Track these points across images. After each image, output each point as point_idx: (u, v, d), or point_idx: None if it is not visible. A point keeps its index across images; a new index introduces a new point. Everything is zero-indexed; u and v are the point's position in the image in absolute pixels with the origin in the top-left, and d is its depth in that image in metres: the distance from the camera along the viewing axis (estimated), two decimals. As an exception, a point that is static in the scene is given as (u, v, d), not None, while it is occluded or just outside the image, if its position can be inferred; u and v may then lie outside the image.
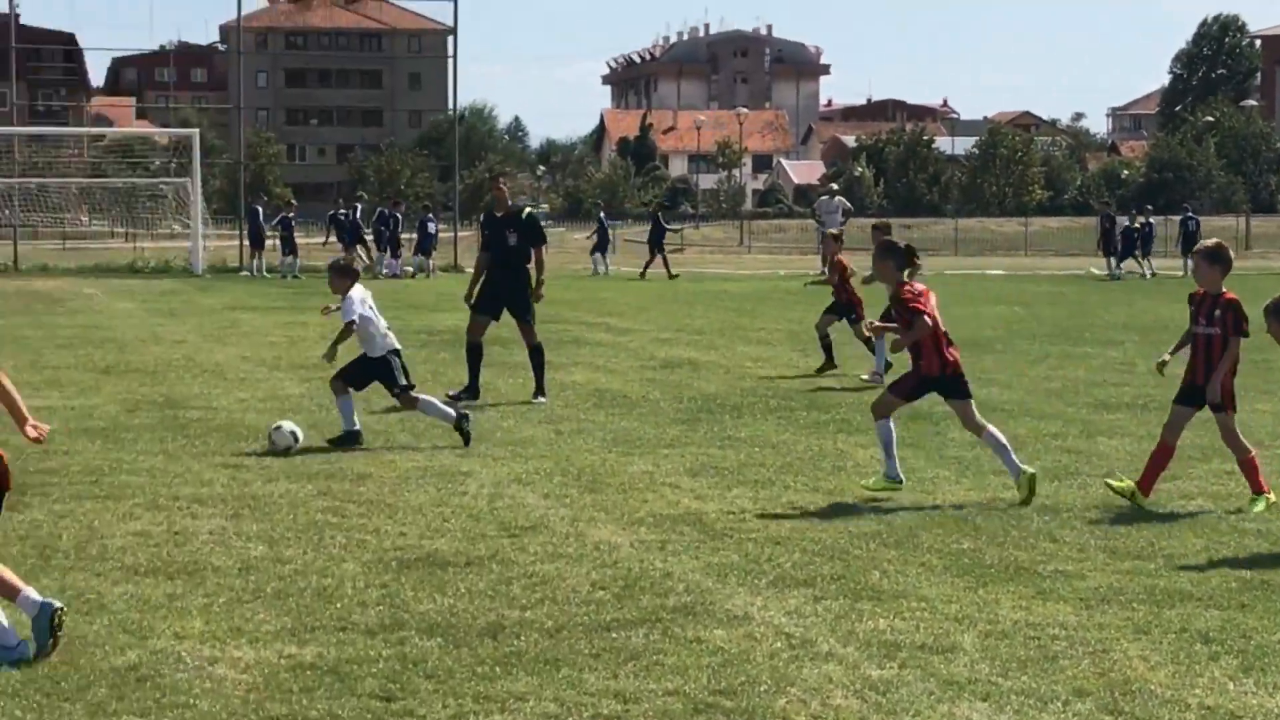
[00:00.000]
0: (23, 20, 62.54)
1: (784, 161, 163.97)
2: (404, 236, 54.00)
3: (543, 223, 21.55)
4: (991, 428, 13.32)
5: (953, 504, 12.82)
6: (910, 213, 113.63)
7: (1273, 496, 12.57)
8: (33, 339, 27.05)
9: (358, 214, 54.73)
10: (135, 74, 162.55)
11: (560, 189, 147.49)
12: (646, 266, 53.15)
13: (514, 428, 16.31)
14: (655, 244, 53.88)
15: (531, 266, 19.49)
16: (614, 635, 9.01)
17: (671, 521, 12.12)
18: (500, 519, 12.14)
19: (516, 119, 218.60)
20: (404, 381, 16.31)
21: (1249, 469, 12.70)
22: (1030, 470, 13.16)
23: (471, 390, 19.14)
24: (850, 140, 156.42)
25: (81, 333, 28.83)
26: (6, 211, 61.45)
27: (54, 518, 12.03)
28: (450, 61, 68.94)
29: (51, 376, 21.38)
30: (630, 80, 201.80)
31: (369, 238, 53.55)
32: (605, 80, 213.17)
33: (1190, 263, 24.65)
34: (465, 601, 9.71)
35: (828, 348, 21.96)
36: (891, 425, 13.38)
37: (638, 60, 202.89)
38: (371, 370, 16.40)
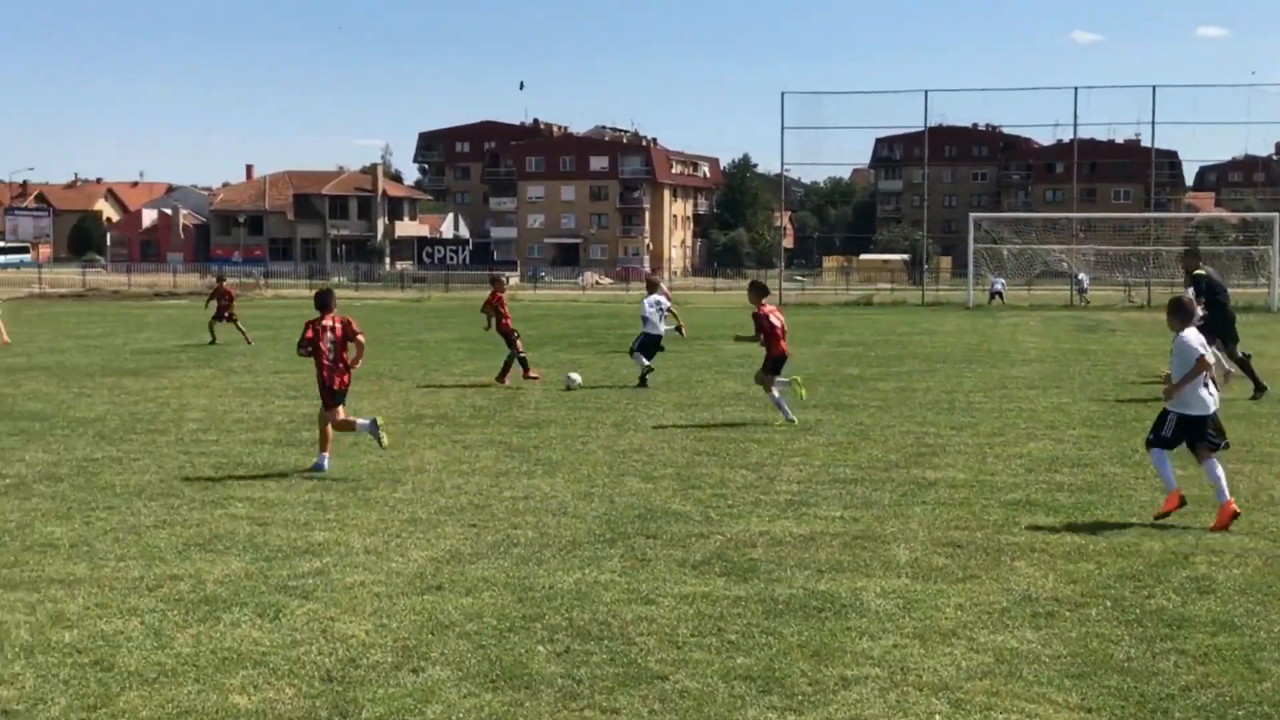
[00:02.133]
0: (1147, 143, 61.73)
1: None
2: None
3: None
4: (775, 390, 14.72)
5: None
6: None
7: None
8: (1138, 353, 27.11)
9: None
10: (1215, 177, 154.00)
11: None
12: None
13: None
14: None
15: None
16: None
17: None
18: None
19: None
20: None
21: None
22: (796, 379, 15.54)
23: None
24: None
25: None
26: (1126, 270, 61.40)
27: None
28: None
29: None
30: None
31: None
32: None
33: None
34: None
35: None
36: (776, 392, 14.70)
37: None
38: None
